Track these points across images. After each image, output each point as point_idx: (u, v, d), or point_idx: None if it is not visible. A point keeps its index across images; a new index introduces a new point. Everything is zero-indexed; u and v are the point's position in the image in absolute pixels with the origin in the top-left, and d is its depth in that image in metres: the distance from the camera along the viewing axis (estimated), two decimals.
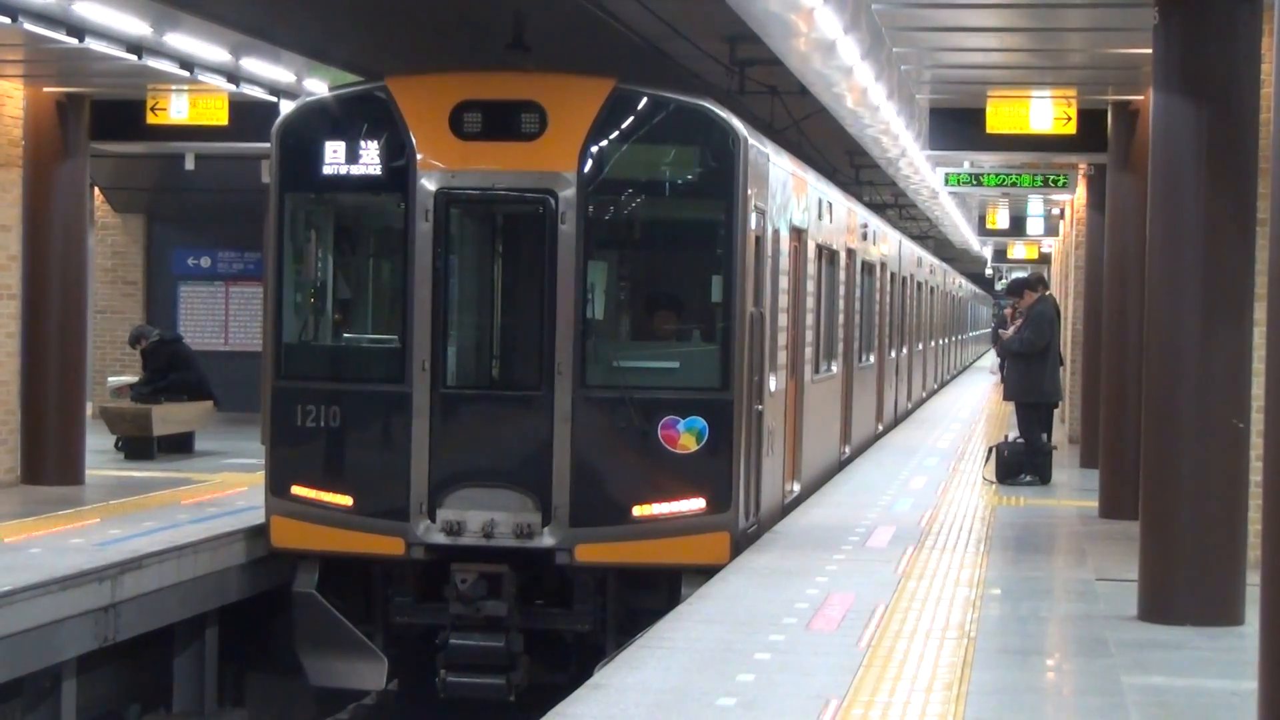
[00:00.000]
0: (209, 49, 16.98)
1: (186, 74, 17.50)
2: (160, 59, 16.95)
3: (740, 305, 15.05)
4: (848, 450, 23.71)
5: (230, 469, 21.05)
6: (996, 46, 16.17)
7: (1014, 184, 26.60)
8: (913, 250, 36.89)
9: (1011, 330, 22.06)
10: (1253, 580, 12.18)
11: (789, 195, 17.68)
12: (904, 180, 30.09)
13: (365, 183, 15.21)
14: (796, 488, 18.59)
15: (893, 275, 30.57)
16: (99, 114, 19.80)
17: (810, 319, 19.50)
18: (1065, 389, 27.06)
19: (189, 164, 23.01)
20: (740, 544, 14.97)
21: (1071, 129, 19.05)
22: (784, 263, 17.39)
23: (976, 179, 26.76)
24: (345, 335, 15.96)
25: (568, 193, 14.87)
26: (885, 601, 12.57)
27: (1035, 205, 36.03)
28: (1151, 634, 11.71)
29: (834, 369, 22.19)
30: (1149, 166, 12.34)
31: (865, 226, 25.56)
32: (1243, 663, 10.60)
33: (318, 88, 18.29)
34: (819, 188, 20.41)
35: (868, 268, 26.05)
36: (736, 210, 15.02)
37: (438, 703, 15.34)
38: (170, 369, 23.29)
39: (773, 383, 16.54)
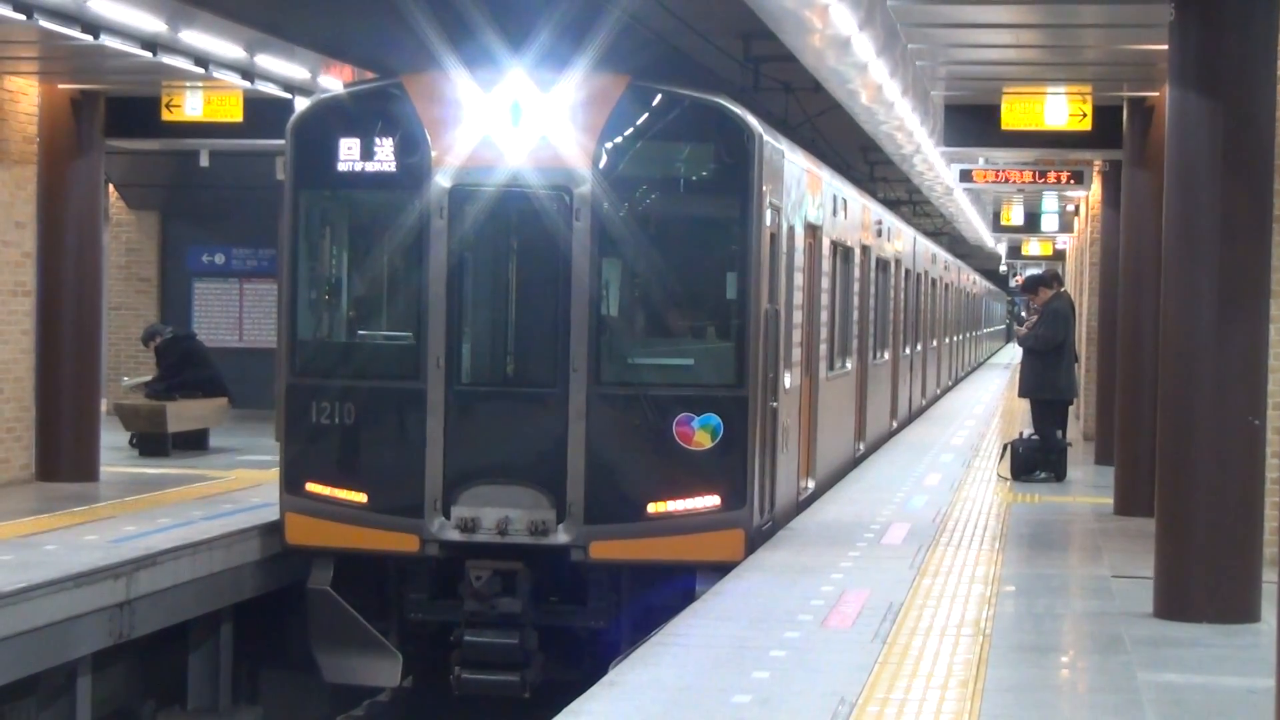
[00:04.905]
0: (224, 46, 16.99)
1: (201, 71, 17.51)
2: (175, 56, 16.95)
3: (755, 302, 15.03)
4: (862, 447, 23.69)
5: (245, 466, 21.06)
6: (1011, 43, 16.15)
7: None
8: (927, 247, 36.88)
9: (1026, 327, 22.03)
10: (1269, 577, 12.25)
11: (803, 192, 17.67)
12: (918, 176, 30.07)
13: (380, 179, 15.20)
14: (811, 484, 18.58)
15: (907, 272, 30.56)
16: (114, 111, 19.81)
17: (825, 315, 19.49)
18: (1080, 385, 27.03)
19: (203, 161, 23.03)
20: (755, 541, 14.96)
21: (1087, 125, 19.02)
22: (799, 259, 17.38)
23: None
24: (360, 332, 15.96)
25: (583, 189, 14.88)
26: (900, 598, 12.56)
27: (1050, 202, 36.01)
28: (1167, 631, 11.68)
29: (848, 366, 22.17)
30: (1164, 163, 12.30)
31: (880, 223, 25.55)
32: (1259, 660, 10.60)
33: (332, 84, 18.31)
34: (833, 184, 20.39)
35: (882, 264, 26.04)
36: (751, 207, 15.01)
37: (452, 700, 15.36)
38: (184, 366, 23.29)
39: (787, 379, 16.53)
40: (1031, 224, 38.99)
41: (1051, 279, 22.40)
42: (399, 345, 15.41)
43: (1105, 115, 18.98)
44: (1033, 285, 22.38)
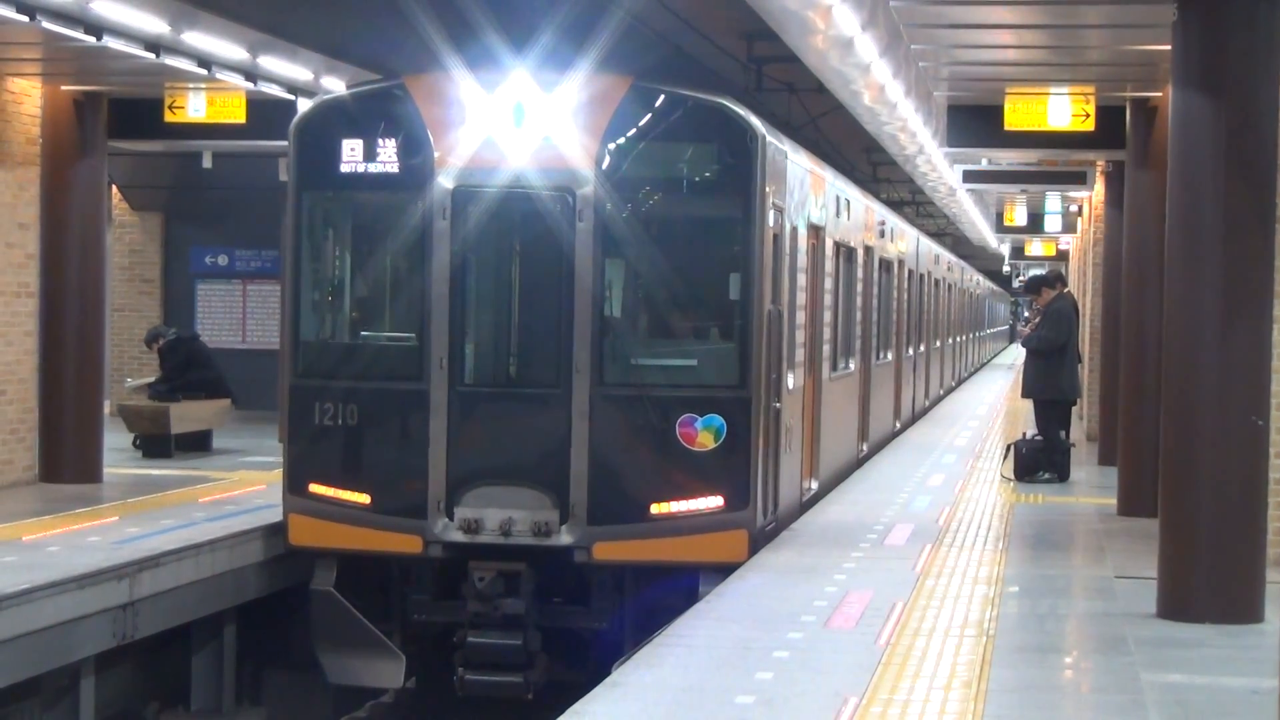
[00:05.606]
0: (227, 47, 17.00)
1: (204, 72, 17.51)
2: (178, 57, 16.96)
3: (758, 303, 15.03)
4: (865, 448, 23.68)
5: (248, 467, 21.06)
6: (1014, 43, 16.14)
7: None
8: (930, 247, 36.86)
9: (1029, 327, 22.02)
10: (1273, 578, 12.25)
11: (807, 192, 17.66)
12: (921, 177, 30.07)
13: (383, 180, 15.20)
14: (814, 485, 18.57)
15: (910, 272, 30.54)
16: (116, 112, 19.81)
17: (828, 316, 19.47)
18: (1083, 386, 27.03)
19: (206, 162, 23.04)
20: (758, 542, 14.95)
21: (1090, 126, 19.01)
22: (802, 260, 17.37)
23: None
24: (363, 333, 15.96)
25: (585, 190, 14.88)
26: (904, 599, 12.55)
27: (1053, 202, 36.00)
28: (1171, 631, 11.68)
29: (852, 366, 22.16)
30: (1168, 163, 12.30)
31: (883, 224, 25.54)
32: (1263, 660, 10.60)
33: (335, 86, 18.32)
34: (837, 185, 20.38)
35: (885, 265, 26.02)
36: (754, 208, 15.00)
37: (455, 701, 15.35)
38: (187, 367, 23.30)
39: (791, 380, 16.53)
40: (1035, 224, 38.99)
41: (1055, 280, 22.39)
42: (402, 346, 15.40)
43: (1108, 116, 18.96)
44: (1036, 286, 22.39)
